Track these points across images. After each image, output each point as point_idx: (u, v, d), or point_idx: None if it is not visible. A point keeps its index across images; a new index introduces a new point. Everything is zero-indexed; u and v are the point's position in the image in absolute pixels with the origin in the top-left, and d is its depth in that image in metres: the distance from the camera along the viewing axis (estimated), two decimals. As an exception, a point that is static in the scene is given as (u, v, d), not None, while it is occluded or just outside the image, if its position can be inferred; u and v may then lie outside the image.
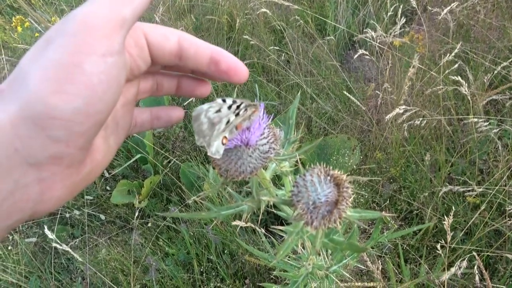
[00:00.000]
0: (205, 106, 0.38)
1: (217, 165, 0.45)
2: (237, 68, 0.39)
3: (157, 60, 0.39)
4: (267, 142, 0.44)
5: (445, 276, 0.91)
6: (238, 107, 0.40)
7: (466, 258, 0.94)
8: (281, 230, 0.76)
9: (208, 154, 0.40)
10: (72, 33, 0.30)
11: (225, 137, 0.41)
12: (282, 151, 0.49)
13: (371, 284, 0.97)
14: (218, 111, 0.39)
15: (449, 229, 0.80)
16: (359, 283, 0.92)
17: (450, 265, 1.52)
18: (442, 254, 0.87)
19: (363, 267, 0.87)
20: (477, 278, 0.93)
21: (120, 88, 0.33)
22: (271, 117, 0.45)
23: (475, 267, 0.89)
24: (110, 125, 0.39)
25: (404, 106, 1.33)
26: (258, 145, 0.44)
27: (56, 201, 0.33)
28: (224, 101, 0.40)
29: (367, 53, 1.56)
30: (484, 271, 0.85)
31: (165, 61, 0.39)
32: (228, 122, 0.39)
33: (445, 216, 1.70)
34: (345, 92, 1.67)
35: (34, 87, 0.28)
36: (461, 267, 0.91)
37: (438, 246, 0.86)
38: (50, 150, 0.30)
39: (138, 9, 0.33)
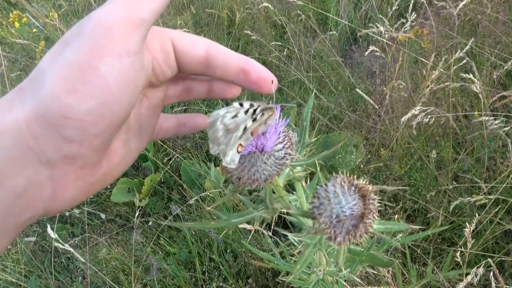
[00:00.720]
0: (222, 111, 0.36)
1: (229, 172, 0.42)
2: (267, 78, 0.38)
3: (183, 67, 0.38)
4: (283, 147, 0.41)
5: (463, 284, 0.89)
6: (254, 111, 0.37)
7: (482, 265, 0.91)
8: (288, 234, 0.72)
9: (223, 163, 0.37)
10: (88, 34, 0.30)
11: (240, 144, 0.38)
12: (297, 155, 0.46)
13: (382, 287, 0.95)
14: (235, 116, 0.36)
15: (470, 236, 0.77)
16: (369, 287, 0.89)
17: (458, 264, 1.49)
18: (461, 262, 0.85)
19: (373, 271, 0.85)
20: (493, 285, 0.90)
21: (137, 90, 0.33)
22: (287, 121, 0.42)
23: (491, 273, 0.87)
24: (132, 128, 0.38)
25: (419, 107, 1.29)
26: (274, 150, 0.41)
27: (69, 200, 0.33)
28: (241, 105, 0.37)
29: (377, 49, 1.52)
30: (500, 278, 0.83)
31: (192, 69, 0.38)
32: (245, 128, 0.36)
33: (452, 215, 1.67)
34: (358, 90, 1.63)
35: (49, 87, 0.29)
36: (477, 274, 0.88)
37: (458, 254, 0.83)
38: (63, 150, 0.30)
39: (156, 8, 0.33)
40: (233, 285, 1.77)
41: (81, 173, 0.32)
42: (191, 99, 0.44)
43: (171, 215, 2.09)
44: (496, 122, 1.21)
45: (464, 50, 1.36)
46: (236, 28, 3.00)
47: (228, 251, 1.88)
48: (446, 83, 1.54)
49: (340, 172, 0.36)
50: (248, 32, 2.63)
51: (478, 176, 1.65)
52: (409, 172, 1.84)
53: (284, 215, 0.44)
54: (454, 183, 1.66)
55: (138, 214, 2.12)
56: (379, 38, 1.76)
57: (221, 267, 1.83)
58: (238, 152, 0.37)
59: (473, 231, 1.58)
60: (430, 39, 1.82)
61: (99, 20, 0.30)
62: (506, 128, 1.24)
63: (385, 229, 0.37)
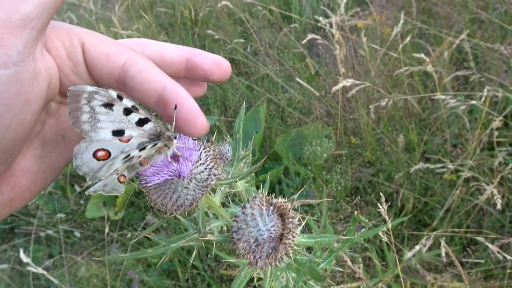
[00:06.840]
0: (89, 87, 0.30)
1: (152, 200, 0.40)
2: (191, 118, 0.31)
3: (97, 81, 0.32)
4: (205, 168, 0.39)
5: (408, 254, 0.91)
6: (142, 122, 0.33)
7: (431, 236, 0.93)
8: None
9: (89, 191, 0.33)
10: None
11: (123, 175, 0.34)
12: (231, 171, 0.44)
13: (354, 284, 0.95)
14: (108, 105, 0.31)
15: (387, 216, 0.79)
16: (340, 286, 0.89)
17: (434, 245, 1.52)
18: (389, 243, 0.87)
19: (342, 270, 0.84)
20: (443, 252, 0.93)
21: (33, 107, 0.27)
22: (205, 141, 0.40)
23: (444, 248, 0.89)
24: (50, 141, 0.33)
25: (352, 80, 1.31)
26: (194, 173, 0.39)
27: None
28: (120, 98, 0.31)
29: (318, 37, 1.54)
30: (450, 253, 0.85)
31: (107, 85, 0.32)
32: (127, 157, 0.32)
33: (423, 196, 1.70)
34: (298, 79, 1.64)
35: None
36: (426, 245, 0.91)
37: (380, 233, 0.85)
38: None
39: (46, 1, 0.26)
40: (217, 290, 1.75)
41: None
42: None
43: (149, 226, 2.05)
44: (453, 100, 1.23)
45: (400, 24, 1.39)
46: (200, 27, 2.95)
47: (209, 255, 1.87)
48: (406, 68, 1.56)
49: (258, 191, 0.35)
50: (211, 31, 2.60)
51: (446, 156, 1.68)
52: (380, 157, 1.86)
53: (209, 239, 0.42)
54: (423, 164, 1.68)
55: (117, 228, 2.08)
56: (327, 28, 1.76)
57: (203, 273, 1.81)
58: (121, 182, 0.35)
59: (447, 210, 1.61)
60: (381, 23, 1.83)
61: None
62: (463, 107, 1.26)
63: (316, 243, 0.37)
